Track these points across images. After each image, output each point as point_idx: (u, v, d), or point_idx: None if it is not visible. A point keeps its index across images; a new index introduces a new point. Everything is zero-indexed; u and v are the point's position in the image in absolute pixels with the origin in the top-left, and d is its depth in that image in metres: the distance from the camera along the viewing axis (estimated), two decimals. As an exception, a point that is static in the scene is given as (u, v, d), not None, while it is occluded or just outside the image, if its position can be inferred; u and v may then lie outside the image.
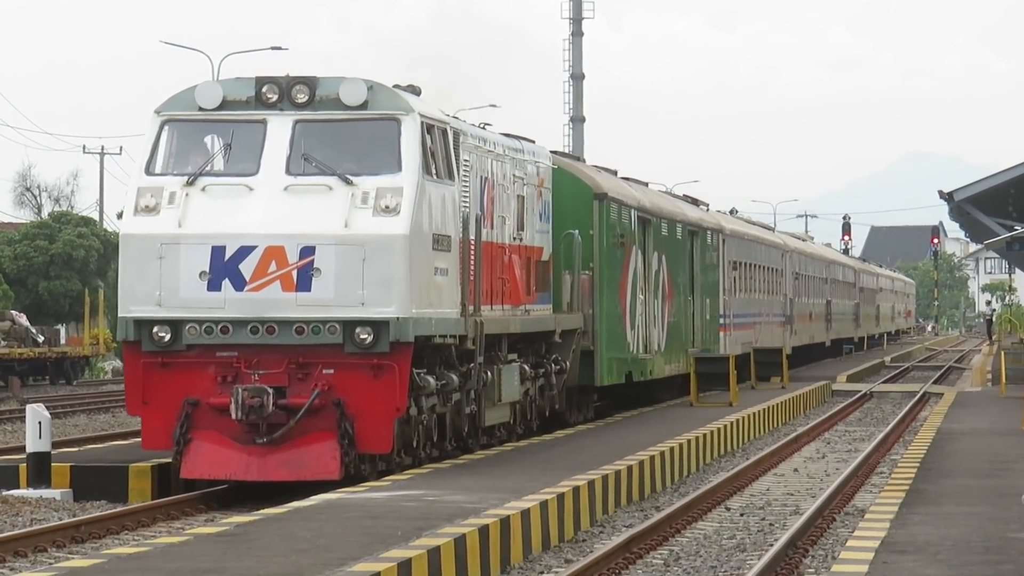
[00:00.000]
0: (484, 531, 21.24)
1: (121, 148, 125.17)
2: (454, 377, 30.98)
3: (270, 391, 27.29)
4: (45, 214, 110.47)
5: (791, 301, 77.27)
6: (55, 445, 31.50)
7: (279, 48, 64.49)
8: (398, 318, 27.60)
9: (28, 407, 31.79)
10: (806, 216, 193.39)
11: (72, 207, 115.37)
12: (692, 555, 23.44)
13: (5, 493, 29.06)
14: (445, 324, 29.89)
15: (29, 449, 30.01)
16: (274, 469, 27.35)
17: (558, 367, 38.26)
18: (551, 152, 40.64)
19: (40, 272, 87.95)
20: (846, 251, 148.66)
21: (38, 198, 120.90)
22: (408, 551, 19.03)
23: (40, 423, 29.80)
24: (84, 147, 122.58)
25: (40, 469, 29.70)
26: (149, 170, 28.81)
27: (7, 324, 75.90)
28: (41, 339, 77.01)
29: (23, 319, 78.53)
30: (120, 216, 29.62)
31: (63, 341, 76.92)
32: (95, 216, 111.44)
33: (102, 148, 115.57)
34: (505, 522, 22.10)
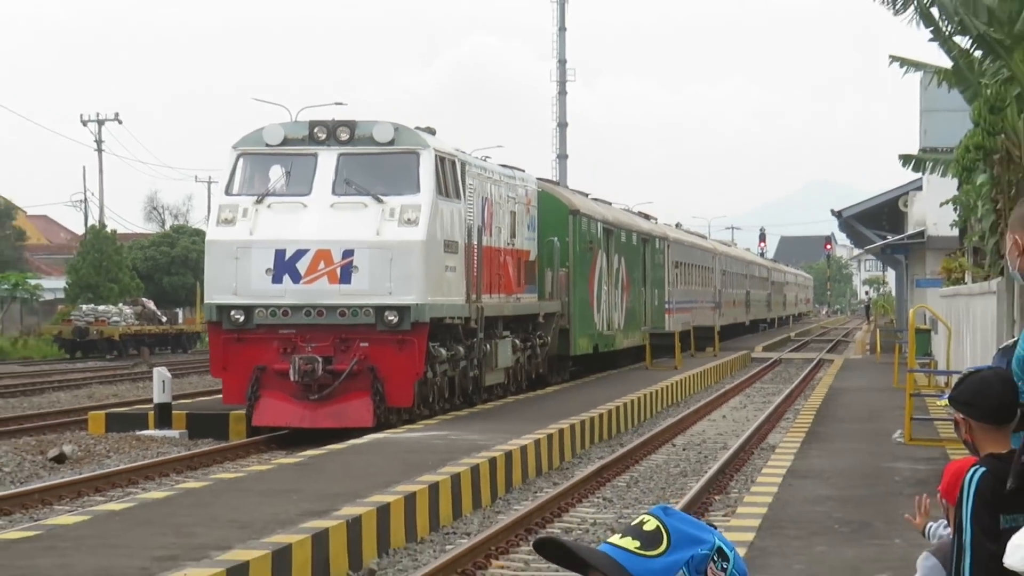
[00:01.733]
0: (493, 462, 22.09)
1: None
2: (461, 349, 31.50)
3: (320, 360, 27.87)
4: (167, 227, 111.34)
5: (719, 291, 77.76)
6: (174, 398, 32.44)
7: (340, 104, 64.42)
8: (417, 304, 28.11)
9: (155, 370, 32.73)
10: (732, 228, 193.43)
11: (187, 221, 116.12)
12: (647, 479, 24.15)
13: (138, 433, 30.25)
14: (453, 308, 30.39)
15: (156, 400, 31.20)
16: (323, 419, 27.88)
17: (542, 341, 38.66)
18: (537, 178, 41.02)
19: (164, 270, 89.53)
20: (762, 254, 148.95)
21: (162, 215, 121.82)
22: (436, 476, 19.86)
23: (164, 381, 30.93)
24: (196, 177, 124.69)
25: (164, 415, 30.76)
26: (228, 191, 29.37)
27: (139, 308, 78.40)
28: (164, 319, 79.30)
29: (151, 304, 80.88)
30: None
31: (180, 321, 78.39)
32: (204, 228, 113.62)
33: (209, 178, 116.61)
34: (508, 455, 22.99)
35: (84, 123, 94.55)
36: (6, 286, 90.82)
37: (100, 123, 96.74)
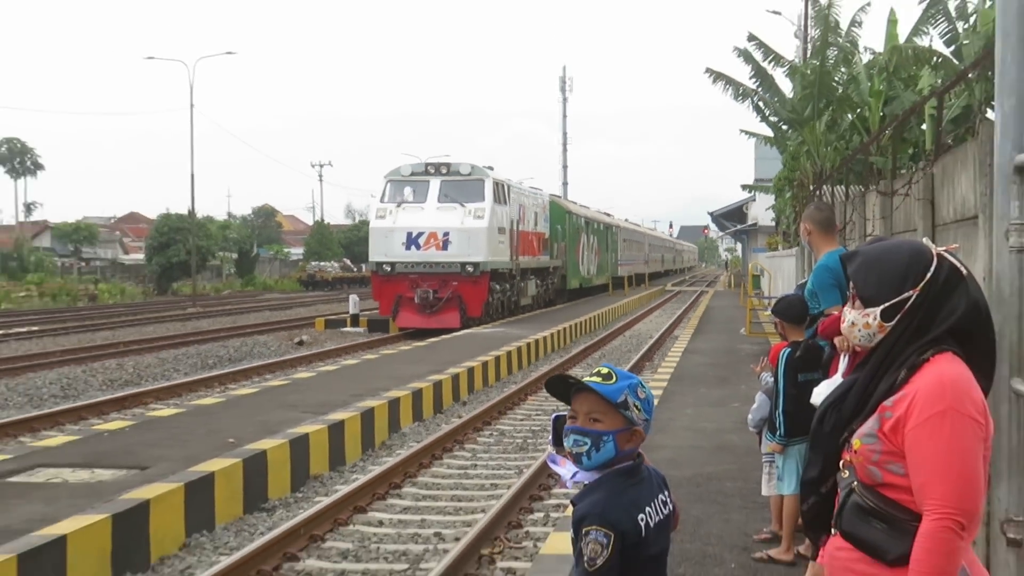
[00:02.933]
0: (529, 345, 22.19)
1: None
2: (508, 285, 31.30)
3: (431, 291, 27.88)
4: (357, 220, 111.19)
5: (648, 254, 76.91)
6: (360, 311, 32.81)
7: (447, 155, 64.47)
8: (483, 261, 28.05)
9: (350, 296, 33.91)
10: (655, 221, 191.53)
11: (367, 217, 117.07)
12: (611, 354, 23.88)
13: (342, 329, 30.87)
14: (503, 264, 30.22)
15: (350, 312, 32.14)
16: (433, 323, 27.75)
17: (552, 281, 38.37)
18: (550, 194, 40.70)
19: (355, 243, 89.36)
20: (671, 235, 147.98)
21: (354, 214, 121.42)
22: (498, 352, 19.98)
23: (355, 302, 32.19)
24: (372, 194, 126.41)
25: (355, 320, 31.37)
26: (381, 200, 29.27)
27: (342, 263, 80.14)
28: (355, 269, 79.46)
29: (348, 261, 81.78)
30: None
31: (364, 270, 78.81)
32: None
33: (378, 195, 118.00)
34: (537, 341, 23.02)
35: (312, 166, 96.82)
36: (272, 251, 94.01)
37: (321, 166, 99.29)
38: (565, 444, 3.25)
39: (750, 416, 7.23)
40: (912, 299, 3.26)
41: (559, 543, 7.04)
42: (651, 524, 3.19)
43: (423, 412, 14.92)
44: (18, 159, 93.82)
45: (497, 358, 19.41)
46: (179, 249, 62.58)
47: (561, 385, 3.30)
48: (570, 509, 3.31)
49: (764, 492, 7.24)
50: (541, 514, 9.48)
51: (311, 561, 8.14)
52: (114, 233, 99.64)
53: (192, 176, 55.92)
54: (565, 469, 3.26)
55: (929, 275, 3.26)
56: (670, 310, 42.46)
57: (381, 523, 9.33)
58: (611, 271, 54.34)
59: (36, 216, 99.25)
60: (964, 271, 3.31)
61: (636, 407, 3.23)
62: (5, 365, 20.74)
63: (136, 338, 28.15)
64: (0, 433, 13.20)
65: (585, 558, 3.13)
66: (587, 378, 3.25)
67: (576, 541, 3.20)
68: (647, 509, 3.21)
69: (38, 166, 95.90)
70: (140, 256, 78.71)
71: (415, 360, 19.08)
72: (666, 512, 3.28)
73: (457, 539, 8.64)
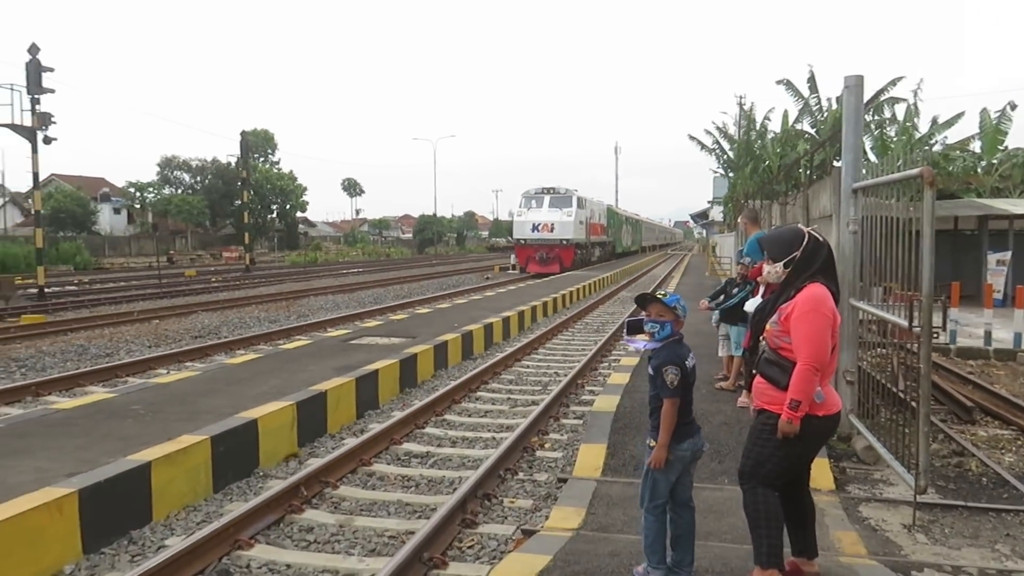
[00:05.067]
0: (597, 281, 20.97)
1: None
2: (584, 250, 29.18)
3: (545, 253, 26.51)
4: (513, 217, 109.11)
5: (657, 235, 72.61)
6: (512, 265, 30.14)
7: (556, 183, 61.64)
8: (572, 238, 26.72)
9: (511, 255, 29.85)
10: (661, 218, 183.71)
11: (515, 216, 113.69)
12: (641, 285, 22.76)
13: (507, 272, 27.88)
14: (582, 240, 28.50)
15: (511, 263, 28.13)
16: (545, 270, 26.48)
17: (607, 248, 36.13)
18: (607, 204, 38.93)
19: (504, 232, 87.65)
20: (669, 225, 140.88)
21: (512, 214, 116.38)
22: (582, 284, 19.09)
23: (513, 258, 28.68)
24: (518, 204, 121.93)
25: (513, 267, 28.53)
26: (519, 207, 27.87)
27: (507, 239, 66.18)
28: (513, 242, 77.15)
29: (510, 238, 77.23)
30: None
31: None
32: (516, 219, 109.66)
33: (519, 203, 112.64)
34: (602, 279, 21.67)
35: (492, 191, 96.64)
36: (473, 233, 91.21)
37: (496, 191, 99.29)
38: (646, 327, 3.18)
39: (713, 316, 7.05)
40: (796, 256, 3.32)
41: (618, 379, 7.15)
42: (689, 366, 3.23)
43: (548, 312, 14.66)
44: (353, 188, 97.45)
45: (582, 287, 18.82)
46: (429, 232, 65.97)
47: (641, 298, 3.27)
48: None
49: (720, 353, 7.13)
50: (606, 364, 9.44)
51: (495, 384, 8.37)
52: (398, 224, 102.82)
53: (435, 197, 59.70)
54: (637, 344, 3.23)
55: (804, 243, 3.29)
56: (668, 264, 41.16)
57: (527, 366, 9.49)
58: (639, 243, 52.38)
59: (361, 216, 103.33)
60: (822, 239, 3.34)
61: (678, 310, 3.21)
62: (348, 289, 21.40)
63: (408, 275, 28.34)
64: (346, 320, 13.69)
65: (668, 382, 3.06)
66: (658, 294, 3.24)
67: (655, 377, 3.10)
68: (689, 357, 3.23)
69: (362, 191, 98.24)
70: (410, 235, 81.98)
71: (539, 287, 18.67)
72: (694, 362, 3.27)
73: (566, 375, 8.76)
